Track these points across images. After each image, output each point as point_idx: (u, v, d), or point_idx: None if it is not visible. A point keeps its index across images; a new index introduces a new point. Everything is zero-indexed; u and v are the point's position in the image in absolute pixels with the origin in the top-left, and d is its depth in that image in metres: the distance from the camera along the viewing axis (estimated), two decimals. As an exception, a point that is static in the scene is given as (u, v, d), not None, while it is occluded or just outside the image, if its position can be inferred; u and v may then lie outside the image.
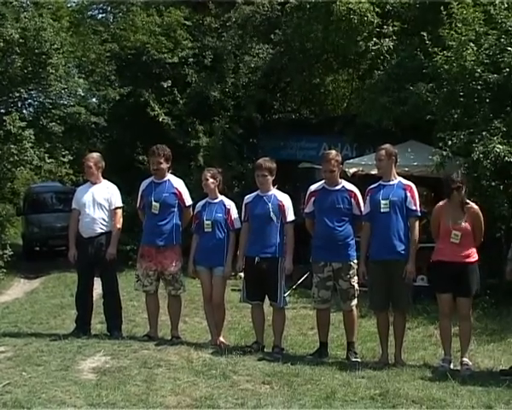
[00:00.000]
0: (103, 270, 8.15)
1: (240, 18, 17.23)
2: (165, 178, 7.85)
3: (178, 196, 7.82)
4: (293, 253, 7.36)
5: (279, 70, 17.92)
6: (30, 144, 14.66)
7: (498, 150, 10.33)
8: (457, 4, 12.24)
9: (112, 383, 5.97)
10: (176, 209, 7.79)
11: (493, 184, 10.71)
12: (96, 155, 8.47)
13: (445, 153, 11.06)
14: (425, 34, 12.78)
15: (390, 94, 14.13)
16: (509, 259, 7.05)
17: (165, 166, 7.82)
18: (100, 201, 8.04)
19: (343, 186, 7.28)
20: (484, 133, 10.73)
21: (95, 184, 8.19)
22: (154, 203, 7.73)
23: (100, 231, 8.02)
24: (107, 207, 8.07)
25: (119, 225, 8.11)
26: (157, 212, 7.72)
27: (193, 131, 16.67)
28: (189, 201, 7.92)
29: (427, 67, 12.77)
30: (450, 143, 11.14)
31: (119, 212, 8.14)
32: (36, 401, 5.49)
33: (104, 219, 8.05)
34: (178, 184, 7.92)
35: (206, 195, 7.84)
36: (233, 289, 9.32)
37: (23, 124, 14.66)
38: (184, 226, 7.94)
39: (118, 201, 8.14)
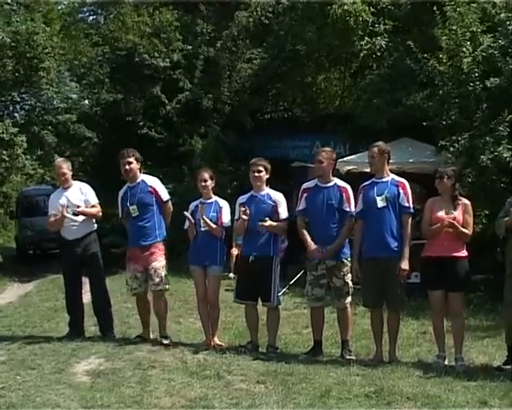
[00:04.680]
0: (90, 270, 8.21)
1: (237, 26, 17.08)
2: (138, 180, 7.85)
3: (154, 193, 7.82)
4: (287, 252, 7.37)
5: (272, 75, 17.81)
6: (21, 150, 14.62)
7: (506, 155, 10.34)
8: (451, 1, 12.14)
9: (106, 385, 5.99)
10: (154, 207, 7.79)
11: (498, 184, 10.70)
12: (64, 160, 8.69)
13: (450, 160, 10.89)
14: (411, 43, 12.75)
15: (383, 95, 14.07)
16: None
17: (135, 165, 7.82)
18: (76, 203, 8.07)
19: (335, 183, 7.29)
20: (487, 138, 10.65)
21: (67, 188, 8.20)
22: (131, 207, 7.75)
23: (84, 231, 8.10)
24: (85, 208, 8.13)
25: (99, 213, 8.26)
26: (136, 214, 7.75)
27: (185, 135, 16.60)
28: (166, 196, 7.95)
29: (420, 73, 12.70)
30: (452, 149, 11.09)
31: (98, 207, 8.22)
32: (30, 404, 5.51)
33: (85, 220, 8.10)
34: (153, 182, 7.93)
35: (198, 196, 7.84)
36: (227, 290, 9.31)
37: (15, 130, 14.62)
38: (168, 222, 7.96)
39: (93, 198, 8.22)
